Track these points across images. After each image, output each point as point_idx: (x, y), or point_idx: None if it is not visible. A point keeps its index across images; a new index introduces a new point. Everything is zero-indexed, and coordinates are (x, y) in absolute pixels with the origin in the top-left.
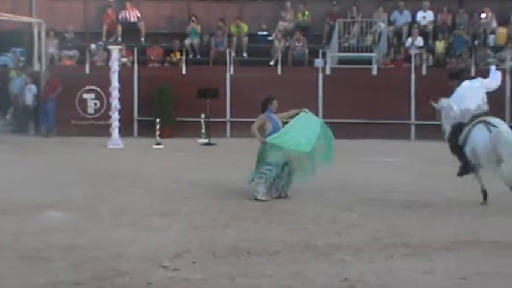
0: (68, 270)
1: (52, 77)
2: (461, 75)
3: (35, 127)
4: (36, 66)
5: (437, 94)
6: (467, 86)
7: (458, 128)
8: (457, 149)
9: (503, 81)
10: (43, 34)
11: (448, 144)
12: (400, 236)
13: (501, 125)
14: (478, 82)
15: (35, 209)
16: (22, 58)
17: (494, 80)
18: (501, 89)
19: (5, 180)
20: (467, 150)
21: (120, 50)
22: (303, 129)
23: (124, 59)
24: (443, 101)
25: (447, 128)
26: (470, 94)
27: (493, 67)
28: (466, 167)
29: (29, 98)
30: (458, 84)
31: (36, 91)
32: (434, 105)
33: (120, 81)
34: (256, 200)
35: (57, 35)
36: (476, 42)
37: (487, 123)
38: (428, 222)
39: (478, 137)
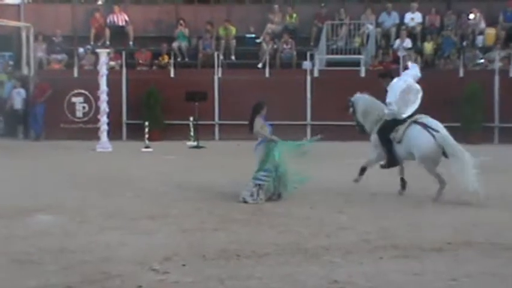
0: (58, 273)
1: (41, 81)
2: (390, 75)
3: (24, 131)
4: (24, 70)
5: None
6: (398, 84)
7: (391, 124)
8: (387, 143)
9: (493, 82)
10: (31, 38)
11: (378, 136)
12: (390, 238)
13: (440, 128)
14: (406, 78)
15: (24, 212)
16: (11, 62)
17: (415, 70)
18: (490, 90)
19: None
20: (402, 148)
21: (109, 53)
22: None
23: (112, 63)
24: (358, 96)
25: (369, 123)
26: (404, 91)
27: (409, 62)
28: (392, 162)
29: (17, 102)
30: (388, 83)
31: (25, 95)
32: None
33: (108, 84)
34: (245, 202)
35: (46, 39)
36: (464, 43)
37: (425, 126)
38: (418, 223)
39: (420, 140)
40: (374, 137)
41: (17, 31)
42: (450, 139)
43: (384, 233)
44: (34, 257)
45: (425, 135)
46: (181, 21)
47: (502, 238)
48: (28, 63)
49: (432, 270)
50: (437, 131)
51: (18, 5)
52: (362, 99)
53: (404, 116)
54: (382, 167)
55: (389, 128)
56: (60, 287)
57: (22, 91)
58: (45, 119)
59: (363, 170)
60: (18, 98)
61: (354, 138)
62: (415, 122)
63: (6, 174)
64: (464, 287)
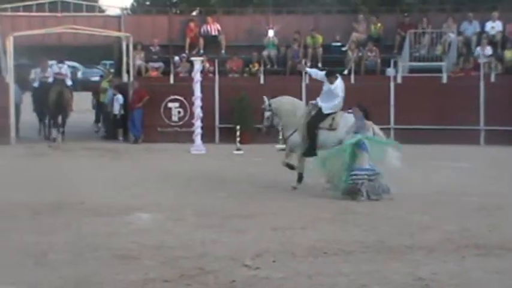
0: (156, 268)
1: (139, 87)
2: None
3: (123, 134)
4: (124, 77)
5: (507, 100)
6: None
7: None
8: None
9: None
10: (131, 47)
11: (306, 128)
12: (472, 237)
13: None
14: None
15: (125, 211)
16: (112, 70)
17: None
18: None
19: (97, 184)
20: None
21: (202, 61)
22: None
23: (208, 65)
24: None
25: (294, 121)
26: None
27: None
28: (312, 151)
29: (116, 108)
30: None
31: (122, 101)
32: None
33: (202, 90)
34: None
35: (144, 48)
36: None
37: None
38: (499, 224)
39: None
40: (296, 135)
41: (117, 41)
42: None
43: (466, 233)
44: (134, 253)
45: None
46: (271, 31)
47: None
48: (128, 71)
49: None
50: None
51: (119, 17)
52: (284, 101)
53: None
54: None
55: (319, 119)
56: (158, 281)
57: (120, 97)
58: (143, 123)
59: (290, 166)
60: (116, 104)
61: (436, 141)
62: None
63: (108, 175)
64: None
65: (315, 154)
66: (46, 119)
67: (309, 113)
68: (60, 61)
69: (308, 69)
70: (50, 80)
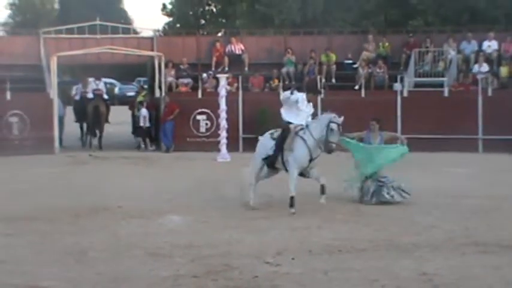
0: (186, 265)
1: (170, 101)
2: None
3: (153, 144)
4: (157, 93)
5: (502, 112)
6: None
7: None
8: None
9: None
10: (163, 65)
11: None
12: (472, 236)
13: None
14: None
15: (157, 213)
16: (145, 86)
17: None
18: None
19: (132, 189)
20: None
21: (227, 78)
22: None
23: (228, 87)
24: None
25: None
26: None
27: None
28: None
29: (141, 120)
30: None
31: (146, 114)
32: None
33: (227, 104)
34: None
35: (174, 66)
36: None
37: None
38: (497, 224)
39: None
40: None
41: (150, 60)
42: None
43: (466, 232)
44: (165, 251)
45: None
46: (289, 50)
47: None
48: (160, 87)
49: (509, 264)
50: None
51: (151, 38)
52: None
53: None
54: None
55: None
56: (187, 277)
57: (144, 110)
58: (174, 133)
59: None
60: (141, 117)
61: (439, 149)
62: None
63: (142, 181)
64: None
65: None
66: (85, 128)
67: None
68: (98, 78)
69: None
70: (90, 95)
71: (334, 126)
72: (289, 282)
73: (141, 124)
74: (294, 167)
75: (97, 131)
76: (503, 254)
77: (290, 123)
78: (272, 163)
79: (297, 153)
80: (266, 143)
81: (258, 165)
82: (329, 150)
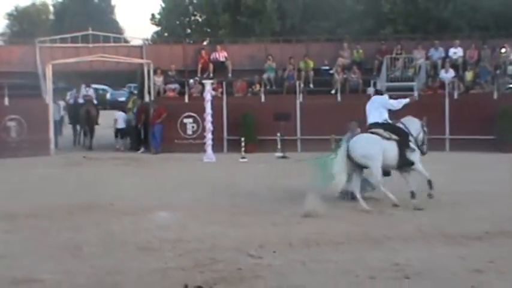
0: (174, 259)
1: (158, 106)
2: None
3: (144, 146)
4: (146, 98)
5: (468, 114)
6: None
7: None
8: None
9: None
10: (151, 72)
11: None
12: (439, 229)
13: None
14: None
15: (147, 210)
16: (135, 91)
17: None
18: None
19: (123, 188)
20: None
21: (212, 83)
22: None
23: (213, 92)
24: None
25: None
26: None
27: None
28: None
29: (119, 123)
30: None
31: (119, 117)
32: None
33: (212, 108)
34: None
35: (163, 73)
36: (497, 72)
37: None
38: (462, 217)
39: None
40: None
41: (140, 67)
42: None
43: (434, 225)
44: (155, 246)
45: None
46: (270, 57)
47: None
48: (149, 92)
49: (474, 254)
50: None
51: (141, 46)
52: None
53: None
54: None
55: None
56: (176, 270)
57: (122, 114)
58: (162, 136)
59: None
60: (120, 120)
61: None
62: None
63: (133, 180)
64: (499, 267)
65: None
66: (78, 129)
67: None
68: (88, 85)
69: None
70: (80, 100)
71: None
72: (271, 273)
73: (118, 126)
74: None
75: (88, 133)
76: (468, 245)
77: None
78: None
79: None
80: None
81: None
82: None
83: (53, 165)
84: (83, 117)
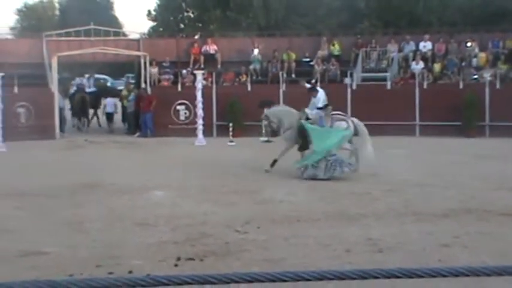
0: (168, 233)
1: (147, 95)
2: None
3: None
4: (142, 86)
5: (436, 102)
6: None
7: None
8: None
9: (484, 92)
10: (147, 63)
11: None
12: (409, 207)
13: None
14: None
15: (143, 189)
16: (132, 81)
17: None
18: (482, 98)
19: (122, 169)
20: None
21: (203, 74)
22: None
23: (204, 82)
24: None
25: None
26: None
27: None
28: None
29: (108, 108)
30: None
31: (108, 102)
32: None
33: (203, 96)
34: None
35: (158, 64)
36: (463, 64)
37: None
38: (430, 196)
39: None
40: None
41: (137, 58)
42: None
43: (405, 203)
44: (151, 222)
45: None
46: (257, 46)
47: (495, 207)
48: (145, 82)
49: (441, 230)
50: None
51: (138, 40)
52: (280, 108)
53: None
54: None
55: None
56: (169, 243)
57: (111, 100)
58: (157, 122)
59: (274, 161)
60: (109, 105)
61: (382, 133)
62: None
63: (130, 162)
64: (464, 242)
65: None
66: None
67: (300, 118)
68: (82, 75)
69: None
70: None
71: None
72: (256, 248)
73: (106, 111)
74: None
75: (83, 116)
76: (436, 221)
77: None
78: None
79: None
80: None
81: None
82: None
83: (57, 148)
84: (78, 103)
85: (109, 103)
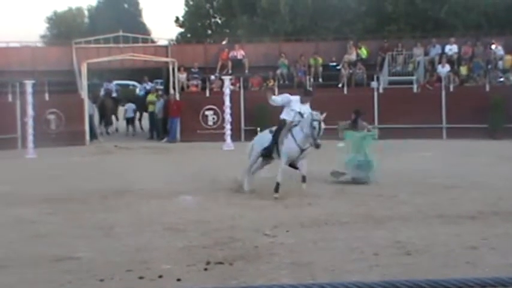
0: (197, 238)
1: (176, 100)
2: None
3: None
4: (171, 92)
5: (462, 105)
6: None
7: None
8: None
9: (510, 93)
10: (176, 69)
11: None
12: (437, 209)
13: None
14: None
15: (173, 194)
16: (161, 87)
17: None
18: (509, 100)
19: (151, 174)
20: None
21: (231, 79)
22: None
23: (231, 87)
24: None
25: None
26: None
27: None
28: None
29: (129, 113)
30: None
31: (133, 108)
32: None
33: (231, 101)
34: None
35: (186, 70)
36: (489, 67)
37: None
38: (457, 198)
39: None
40: None
41: (165, 65)
42: None
43: (433, 206)
44: (180, 226)
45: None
46: (283, 54)
47: None
48: (173, 87)
49: (468, 232)
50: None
51: (166, 46)
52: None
53: None
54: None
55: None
56: (198, 248)
57: (131, 105)
58: (184, 127)
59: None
60: (129, 110)
61: (409, 137)
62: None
63: (159, 167)
64: (492, 244)
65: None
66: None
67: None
68: (109, 80)
69: (273, 97)
70: (114, 94)
71: (315, 124)
72: (284, 251)
73: (127, 115)
74: (284, 158)
75: (104, 121)
76: (462, 223)
77: (284, 120)
78: (269, 153)
79: (287, 147)
80: (264, 136)
81: (257, 155)
82: (316, 145)
83: (87, 154)
84: (100, 108)
85: (129, 108)
